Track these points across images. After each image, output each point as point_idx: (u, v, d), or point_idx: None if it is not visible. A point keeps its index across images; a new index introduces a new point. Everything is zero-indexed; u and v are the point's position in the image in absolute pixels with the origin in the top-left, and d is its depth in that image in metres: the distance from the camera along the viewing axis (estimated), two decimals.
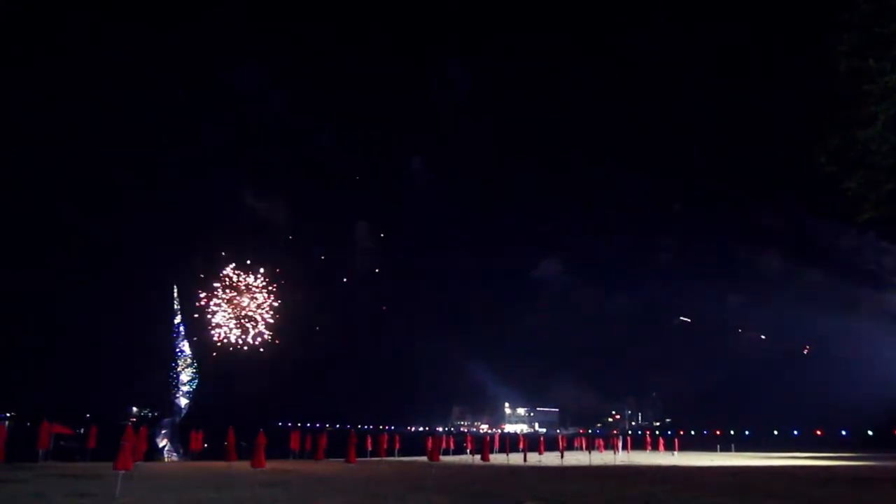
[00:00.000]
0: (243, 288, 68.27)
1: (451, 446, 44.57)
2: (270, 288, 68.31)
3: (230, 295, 68.01)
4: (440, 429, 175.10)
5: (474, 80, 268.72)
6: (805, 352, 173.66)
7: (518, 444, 42.10)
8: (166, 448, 71.03)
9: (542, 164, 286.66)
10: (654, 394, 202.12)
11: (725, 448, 70.17)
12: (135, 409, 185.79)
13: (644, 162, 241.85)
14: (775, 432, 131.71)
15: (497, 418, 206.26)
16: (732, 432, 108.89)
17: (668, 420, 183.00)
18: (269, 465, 21.11)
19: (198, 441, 35.56)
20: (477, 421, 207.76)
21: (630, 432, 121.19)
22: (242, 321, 67.42)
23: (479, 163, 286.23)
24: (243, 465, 22.49)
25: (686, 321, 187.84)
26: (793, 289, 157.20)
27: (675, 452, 54.25)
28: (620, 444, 53.30)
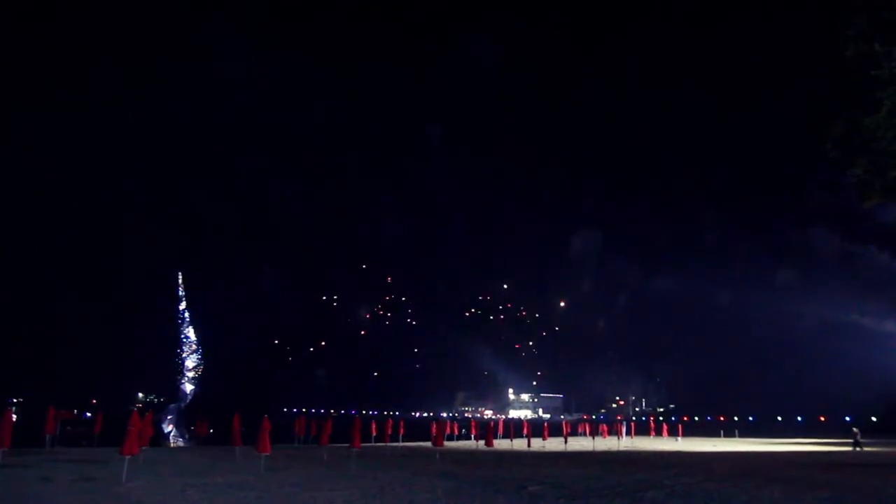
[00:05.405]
0: None
1: (456, 432, 44.90)
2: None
3: None
4: (444, 414, 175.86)
5: (506, 53, 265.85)
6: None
7: (522, 429, 42.34)
8: (172, 433, 71.84)
9: (570, 143, 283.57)
10: (658, 379, 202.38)
11: (729, 434, 70.40)
12: (141, 394, 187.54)
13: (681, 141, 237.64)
14: (779, 418, 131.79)
15: (501, 404, 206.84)
16: (736, 418, 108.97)
17: (671, 406, 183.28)
18: (274, 450, 21.25)
19: (203, 426, 35.92)
20: (481, 407, 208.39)
21: (634, 418, 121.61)
22: None
23: (496, 142, 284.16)
24: (248, 450, 22.66)
25: None
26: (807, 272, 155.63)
27: (679, 438, 54.37)
28: (624, 430, 53.52)
